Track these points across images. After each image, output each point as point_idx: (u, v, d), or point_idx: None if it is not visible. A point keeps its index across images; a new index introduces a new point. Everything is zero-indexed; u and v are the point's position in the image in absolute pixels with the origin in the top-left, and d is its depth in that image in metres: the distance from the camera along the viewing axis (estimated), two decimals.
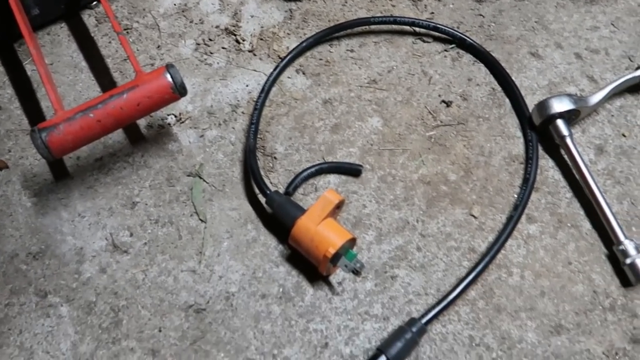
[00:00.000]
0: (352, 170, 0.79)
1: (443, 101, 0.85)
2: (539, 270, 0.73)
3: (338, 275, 0.73)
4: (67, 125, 0.69)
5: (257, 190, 0.77)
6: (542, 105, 0.79)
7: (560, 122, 0.79)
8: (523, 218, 0.76)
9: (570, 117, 0.80)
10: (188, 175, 0.80)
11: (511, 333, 0.69)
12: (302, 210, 0.71)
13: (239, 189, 0.79)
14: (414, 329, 0.66)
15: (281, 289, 0.72)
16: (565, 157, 0.79)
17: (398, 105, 0.85)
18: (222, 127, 0.83)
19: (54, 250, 0.75)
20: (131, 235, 0.76)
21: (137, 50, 0.90)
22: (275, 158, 0.81)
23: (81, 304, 0.72)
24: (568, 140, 0.78)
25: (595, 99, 0.80)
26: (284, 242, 0.75)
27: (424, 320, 0.68)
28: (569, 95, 0.79)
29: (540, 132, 0.81)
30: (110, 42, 0.91)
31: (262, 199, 0.76)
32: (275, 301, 0.72)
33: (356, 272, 0.71)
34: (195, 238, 0.76)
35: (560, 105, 0.78)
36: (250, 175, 0.77)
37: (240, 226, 0.76)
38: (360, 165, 0.79)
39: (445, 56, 0.89)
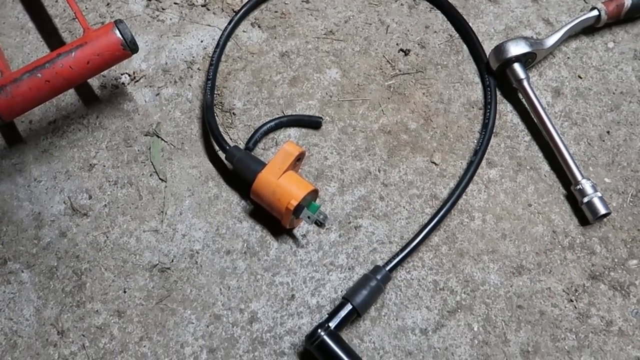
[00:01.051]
0: (312, 123, 0.78)
1: (401, 50, 0.84)
2: (500, 214, 0.74)
3: (302, 228, 0.73)
4: (15, 87, 0.67)
5: (216, 147, 0.76)
6: (499, 50, 0.78)
7: (517, 66, 0.79)
8: (483, 163, 0.76)
9: (527, 60, 0.80)
10: (145, 135, 0.78)
11: (474, 276, 0.70)
12: (263, 164, 0.71)
13: (198, 146, 0.78)
14: (378, 277, 0.67)
15: (245, 244, 0.72)
16: (523, 100, 0.80)
17: (356, 56, 0.84)
18: (178, 84, 0.82)
19: (10, 216, 0.73)
20: (90, 197, 0.75)
21: (86, 8, 0.87)
22: (233, 114, 0.80)
23: (42, 269, 0.71)
24: (525, 84, 0.78)
25: (550, 41, 0.80)
26: (246, 197, 0.74)
27: (388, 268, 0.68)
28: (525, 38, 0.79)
29: (498, 76, 0.81)
30: (57, 1, 0.88)
31: (223, 155, 0.75)
32: (240, 257, 0.71)
33: (319, 224, 0.71)
34: (156, 198, 0.75)
35: (516, 49, 0.78)
36: (209, 131, 0.76)
37: (202, 184, 0.76)
38: (320, 118, 0.78)
39: (401, 4, 0.88)
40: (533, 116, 0.79)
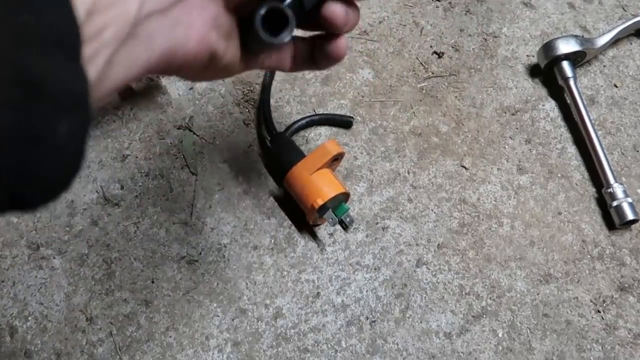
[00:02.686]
0: (343, 122, 0.79)
1: (435, 52, 0.84)
2: (529, 221, 0.73)
3: (329, 227, 0.73)
4: None
5: (264, 131, 0.77)
6: (548, 47, 0.78)
7: (565, 64, 0.79)
8: (514, 169, 0.76)
9: (576, 59, 0.80)
10: (178, 128, 0.79)
11: (501, 282, 0.70)
12: (302, 156, 0.71)
13: (229, 141, 0.78)
14: None
15: (273, 241, 0.73)
16: (568, 99, 0.79)
17: (389, 57, 0.84)
18: None
19: None
20: (122, 188, 0.76)
21: None
22: None
23: (73, 256, 0.72)
24: (571, 82, 0.78)
25: (601, 41, 0.80)
26: (280, 184, 0.75)
27: None
28: (575, 36, 0.79)
29: (545, 73, 0.82)
30: None
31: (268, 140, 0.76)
32: (267, 252, 0.72)
33: (344, 227, 0.71)
34: (186, 190, 0.76)
35: (566, 47, 0.78)
36: (262, 112, 0.77)
37: (231, 179, 0.76)
38: (352, 117, 0.79)
39: (437, 6, 0.88)
40: (575, 115, 0.78)
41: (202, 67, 0.40)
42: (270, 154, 0.77)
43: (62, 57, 0.26)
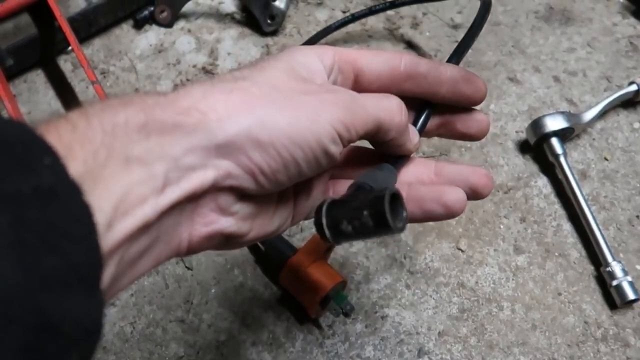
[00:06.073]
0: None
1: None
2: (529, 303, 0.73)
3: (328, 317, 0.72)
4: None
5: None
6: (536, 124, 0.79)
7: (554, 141, 0.79)
8: (510, 249, 0.76)
9: (565, 135, 0.80)
10: None
11: None
12: (294, 250, 0.71)
13: None
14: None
15: (271, 335, 0.72)
16: (559, 175, 0.79)
17: None
18: None
19: None
20: None
21: (115, 93, 0.90)
22: None
23: None
24: (562, 159, 0.78)
25: (588, 115, 0.81)
26: (274, 281, 0.74)
27: None
28: (563, 113, 0.79)
29: (535, 150, 0.83)
30: (87, 87, 0.90)
31: None
32: (265, 348, 0.71)
33: (346, 315, 0.70)
34: (182, 286, 0.75)
35: (554, 124, 0.78)
36: None
37: (227, 272, 0.76)
38: None
39: None
40: (567, 191, 0.78)
41: (214, 247, 0.40)
42: (260, 251, 0.77)
43: (82, 295, 0.27)
